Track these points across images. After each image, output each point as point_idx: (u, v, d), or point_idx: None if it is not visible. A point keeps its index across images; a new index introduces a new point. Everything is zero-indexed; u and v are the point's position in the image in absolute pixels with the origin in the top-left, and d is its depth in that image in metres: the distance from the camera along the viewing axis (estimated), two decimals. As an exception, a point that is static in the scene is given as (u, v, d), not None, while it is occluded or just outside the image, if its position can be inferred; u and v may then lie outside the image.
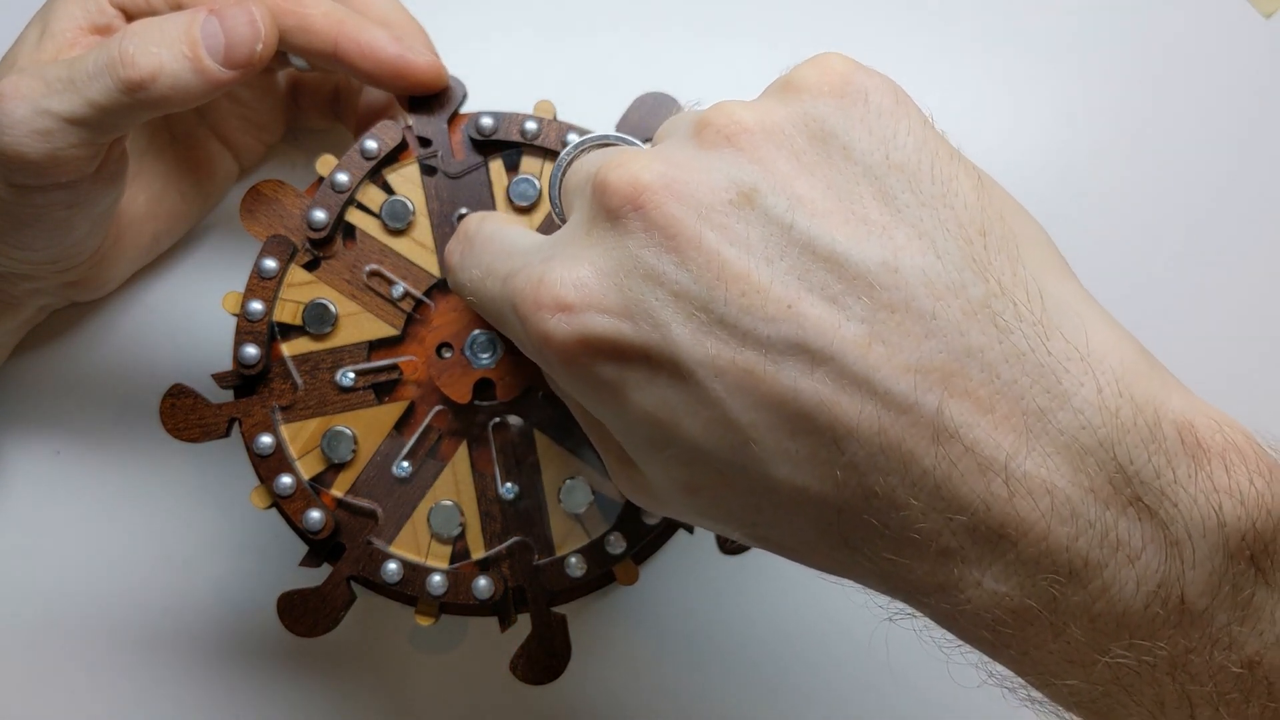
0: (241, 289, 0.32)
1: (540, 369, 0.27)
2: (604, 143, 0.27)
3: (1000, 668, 0.21)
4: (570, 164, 0.26)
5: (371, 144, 0.32)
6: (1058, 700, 0.21)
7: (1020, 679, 0.21)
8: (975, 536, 0.19)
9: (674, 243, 0.21)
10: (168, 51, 0.28)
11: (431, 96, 0.33)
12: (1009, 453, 0.19)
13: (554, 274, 0.22)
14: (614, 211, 0.21)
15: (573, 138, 0.30)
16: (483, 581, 0.31)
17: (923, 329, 0.19)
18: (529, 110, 0.33)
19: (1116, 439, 0.19)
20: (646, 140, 0.33)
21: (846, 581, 0.22)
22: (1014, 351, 0.19)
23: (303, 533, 0.31)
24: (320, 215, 0.32)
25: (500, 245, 0.25)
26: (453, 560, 0.31)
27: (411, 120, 0.33)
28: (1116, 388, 0.19)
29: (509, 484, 0.32)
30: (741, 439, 0.20)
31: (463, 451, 0.32)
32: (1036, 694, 0.21)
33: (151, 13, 0.31)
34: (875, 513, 0.20)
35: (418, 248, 0.33)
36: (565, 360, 0.22)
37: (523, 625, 0.32)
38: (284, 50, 0.32)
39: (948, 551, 0.20)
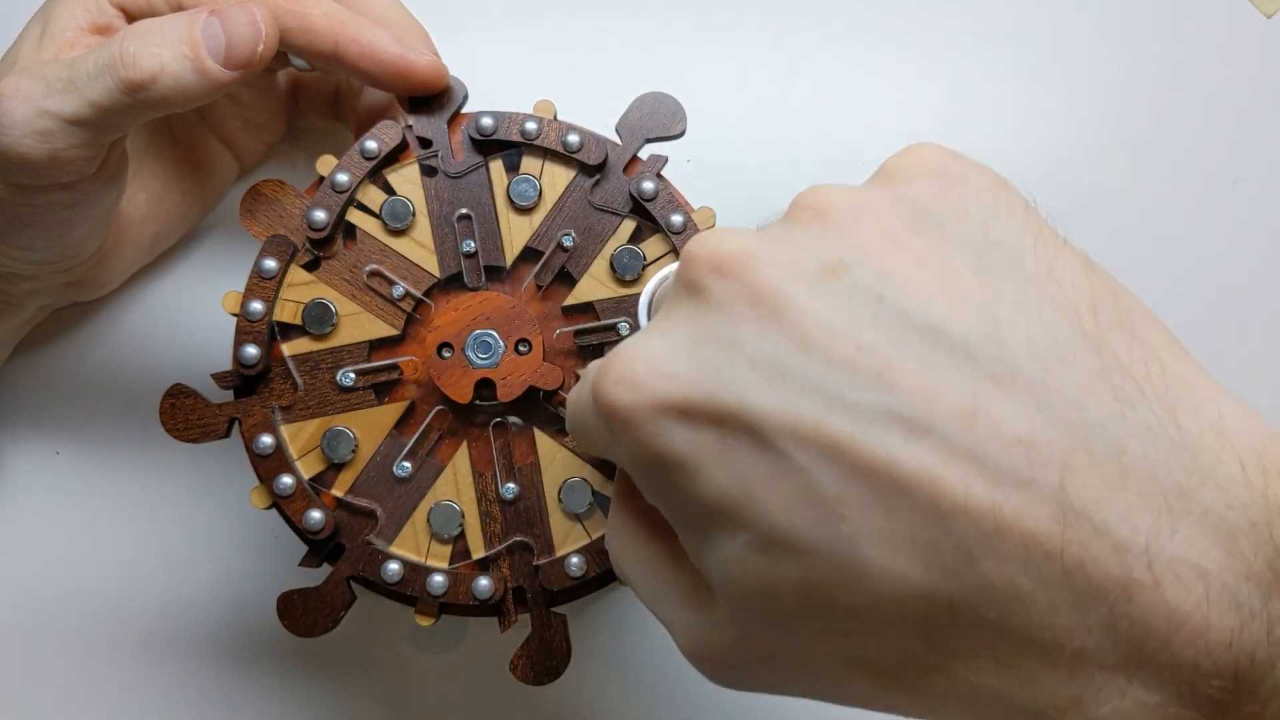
0: (241, 289, 0.32)
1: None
2: None
3: None
4: (661, 283, 0.25)
5: (372, 144, 0.32)
6: None
7: None
8: (1117, 634, 0.17)
9: (755, 310, 0.19)
10: (169, 52, 0.28)
11: (432, 97, 0.33)
12: (1149, 535, 0.17)
13: (624, 349, 0.21)
14: (695, 283, 0.20)
15: (651, 281, 0.29)
16: (483, 581, 0.31)
17: (1033, 400, 0.18)
18: (529, 110, 0.33)
19: (1270, 518, 0.17)
20: (650, 141, 0.34)
21: None
22: (1141, 426, 0.17)
23: (302, 533, 0.31)
24: (320, 215, 0.32)
25: (598, 360, 0.24)
26: (453, 560, 0.31)
27: (412, 120, 0.33)
28: (1260, 464, 0.17)
29: (509, 484, 0.32)
30: (829, 515, 0.18)
31: (463, 452, 0.32)
32: None
33: (152, 13, 0.31)
34: (993, 606, 0.17)
35: (418, 248, 0.33)
36: (629, 431, 0.20)
37: (523, 625, 0.32)
38: (285, 51, 0.31)
39: (1083, 654, 0.17)
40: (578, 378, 0.32)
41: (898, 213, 0.20)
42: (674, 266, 0.27)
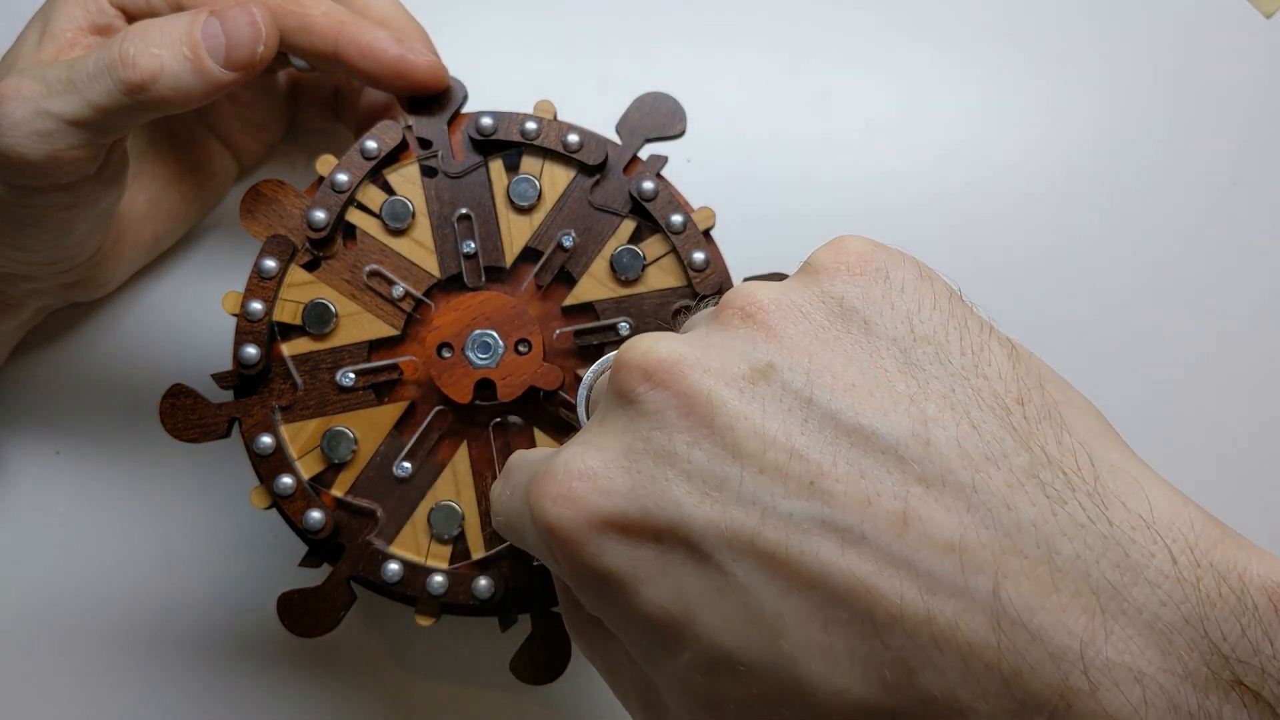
0: (241, 289, 0.32)
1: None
2: None
3: None
4: (596, 379, 0.25)
5: (372, 144, 0.32)
6: None
7: None
8: None
9: (687, 420, 0.19)
10: (168, 53, 0.28)
11: (432, 97, 0.33)
12: (1084, 638, 0.16)
13: (559, 463, 0.21)
14: (628, 393, 0.20)
15: (587, 374, 0.29)
16: (483, 582, 0.31)
17: (963, 503, 0.18)
18: (529, 110, 0.33)
19: (1204, 613, 0.17)
20: (650, 141, 0.34)
21: None
22: (1071, 523, 0.17)
23: (302, 533, 0.31)
24: (320, 215, 0.32)
25: (527, 461, 0.24)
26: (453, 560, 0.31)
27: (411, 121, 0.33)
28: (1192, 556, 0.17)
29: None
30: (769, 633, 0.18)
31: (463, 452, 0.32)
32: None
33: (152, 13, 0.31)
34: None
35: (418, 248, 0.33)
36: (568, 549, 0.20)
37: (523, 625, 0.32)
38: (284, 51, 0.31)
39: None
40: (577, 378, 0.32)
41: (824, 311, 0.20)
42: (611, 357, 0.27)
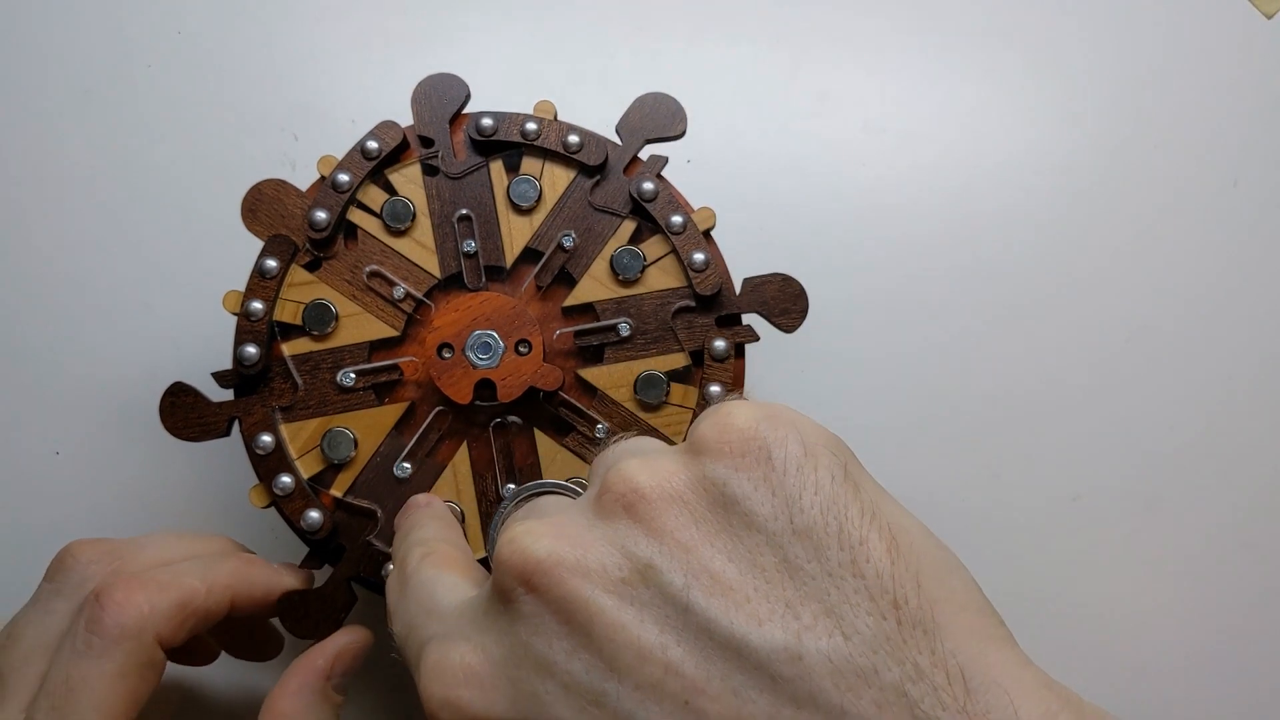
0: (242, 288, 0.32)
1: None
2: (542, 490, 0.27)
3: None
4: (507, 515, 0.26)
5: (373, 144, 0.32)
6: None
7: None
8: None
9: (565, 627, 0.19)
10: None
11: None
12: None
13: (449, 659, 0.21)
14: (506, 593, 0.21)
15: (510, 490, 0.30)
16: (483, 582, 0.31)
17: None
18: (529, 110, 0.33)
19: None
20: (650, 142, 0.34)
21: None
22: None
23: (302, 533, 0.31)
24: (321, 215, 0.32)
25: (424, 601, 0.24)
26: (453, 561, 0.31)
27: (413, 120, 0.33)
28: None
29: (510, 484, 0.32)
30: None
31: (463, 452, 0.32)
32: None
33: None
34: None
35: (419, 248, 0.33)
36: None
37: (523, 626, 0.32)
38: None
39: None
40: (577, 378, 0.32)
41: (705, 500, 0.20)
42: (527, 488, 0.28)
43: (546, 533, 0.21)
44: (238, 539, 0.39)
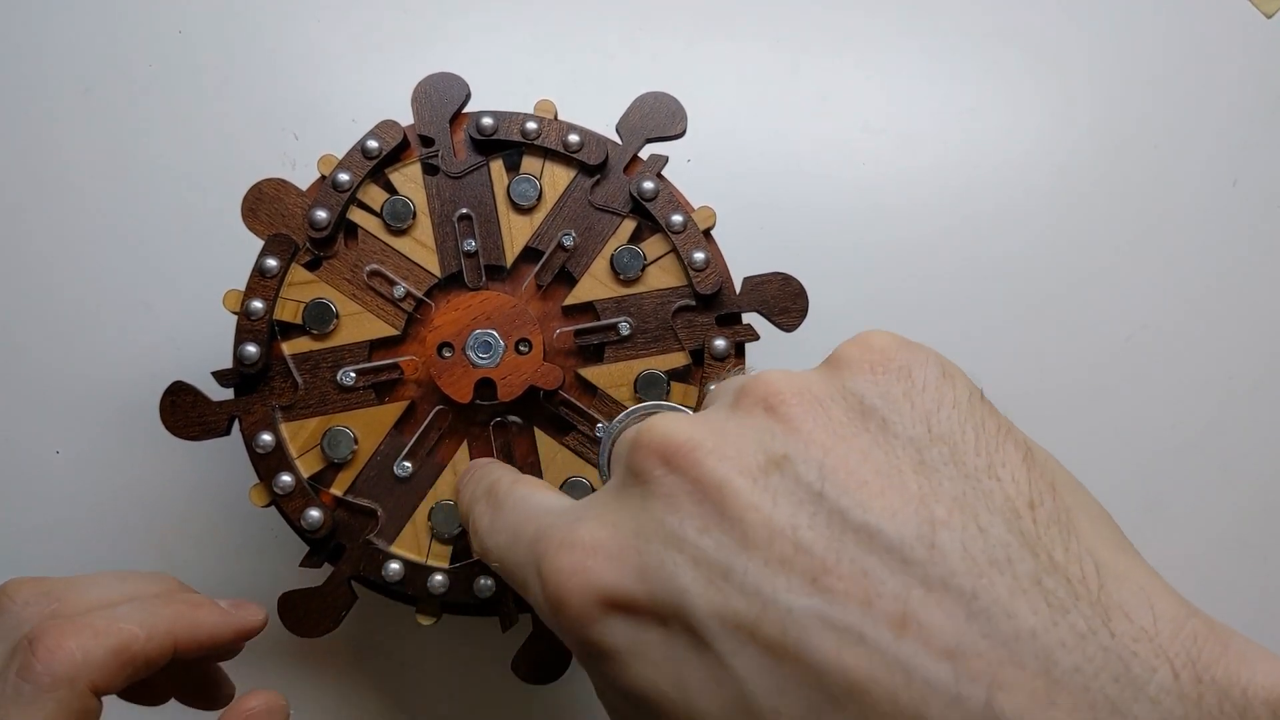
0: (242, 287, 0.32)
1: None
2: (654, 411, 0.27)
3: None
4: (620, 432, 0.26)
5: (373, 143, 0.32)
6: None
7: None
8: None
9: (699, 506, 0.20)
10: None
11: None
12: None
13: (575, 535, 0.21)
14: (643, 473, 0.21)
15: (612, 423, 0.30)
16: (484, 581, 0.31)
17: (964, 609, 0.18)
18: (529, 110, 0.33)
19: None
20: (651, 141, 0.34)
21: None
22: (1072, 634, 0.17)
23: (302, 531, 0.31)
24: (322, 214, 0.32)
25: (530, 509, 0.25)
26: (454, 560, 0.31)
27: (413, 120, 0.33)
28: (1194, 670, 0.17)
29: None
30: None
31: (463, 451, 0.32)
32: None
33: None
34: None
35: (419, 247, 0.33)
36: (575, 621, 0.21)
37: (523, 625, 0.32)
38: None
39: None
40: (577, 377, 0.32)
41: (844, 406, 0.21)
42: (637, 409, 0.27)
43: (688, 421, 0.21)
44: (238, 540, 0.39)
